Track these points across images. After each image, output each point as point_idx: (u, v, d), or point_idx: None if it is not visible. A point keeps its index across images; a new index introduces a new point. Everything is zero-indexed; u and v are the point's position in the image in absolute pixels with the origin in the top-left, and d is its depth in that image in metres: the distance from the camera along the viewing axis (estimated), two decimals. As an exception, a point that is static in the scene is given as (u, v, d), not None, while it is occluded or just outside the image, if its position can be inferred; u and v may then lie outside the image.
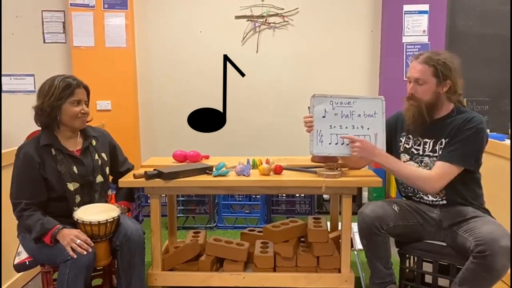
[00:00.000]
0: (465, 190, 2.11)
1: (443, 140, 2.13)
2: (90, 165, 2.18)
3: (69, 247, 1.93)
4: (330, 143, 2.25)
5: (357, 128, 2.26)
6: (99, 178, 2.21)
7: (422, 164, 2.18)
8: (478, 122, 2.06)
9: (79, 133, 2.23)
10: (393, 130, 2.32)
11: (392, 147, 2.31)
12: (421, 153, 2.20)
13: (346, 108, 2.27)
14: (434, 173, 2.07)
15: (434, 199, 2.17)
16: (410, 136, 2.25)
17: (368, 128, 2.26)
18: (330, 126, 2.26)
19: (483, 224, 1.94)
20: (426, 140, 2.19)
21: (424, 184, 2.08)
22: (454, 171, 2.04)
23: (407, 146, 2.26)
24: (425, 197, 2.20)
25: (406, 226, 2.15)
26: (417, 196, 2.23)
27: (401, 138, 2.29)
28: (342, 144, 2.25)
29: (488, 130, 2.16)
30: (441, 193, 2.14)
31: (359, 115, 2.27)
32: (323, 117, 2.26)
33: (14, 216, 2.08)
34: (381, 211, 2.13)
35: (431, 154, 2.16)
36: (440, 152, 2.13)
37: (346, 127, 2.26)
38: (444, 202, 2.15)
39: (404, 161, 2.24)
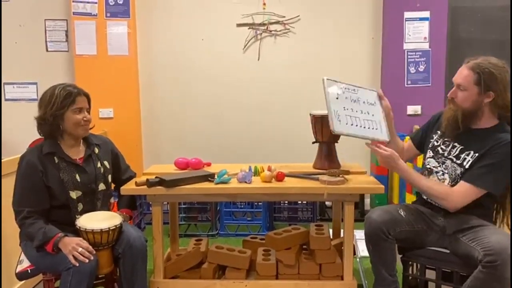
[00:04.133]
0: (476, 204, 2.05)
1: (472, 152, 2.06)
2: (92, 173, 2.19)
3: (71, 256, 1.93)
4: (347, 124, 2.19)
5: (365, 113, 2.26)
6: (102, 186, 2.21)
7: (443, 166, 2.14)
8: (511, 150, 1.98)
9: (81, 141, 2.24)
10: (431, 125, 2.29)
11: (425, 141, 2.30)
12: (446, 154, 2.15)
13: (353, 94, 2.29)
14: (456, 190, 2.03)
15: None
16: (445, 138, 2.19)
17: (372, 115, 2.27)
18: (344, 107, 2.23)
19: (491, 233, 1.91)
20: (456, 144, 2.13)
21: (443, 200, 2.05)
22: (477, 193, 2.00)
23: (435, 144, 2.21)
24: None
25: (411, 231, 2.14)
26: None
27: (433, 135, 2.25)
28: (361, 126, 2.21)
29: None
30: None
31: (364, 102, 2.29)
32: (337, 99, 2.23)
33: (16, 224, 2.08)
34: (388, 216, 2.10)
35: (454, 159, 2.11)
36: (464, 163, 2.07)
37: (357, 111, 2.24)
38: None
39: (428, 157, 2.22)
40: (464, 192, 2.02)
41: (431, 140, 2.26)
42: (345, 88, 2.28)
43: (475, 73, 2.00)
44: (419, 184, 2.13)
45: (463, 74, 2.05)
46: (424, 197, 2.24)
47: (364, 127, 2.22)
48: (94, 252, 1.98)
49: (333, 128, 2.13)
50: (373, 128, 2.24)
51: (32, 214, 2.03)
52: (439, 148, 2.20)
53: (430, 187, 2.10)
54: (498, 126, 2.06)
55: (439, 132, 2.23)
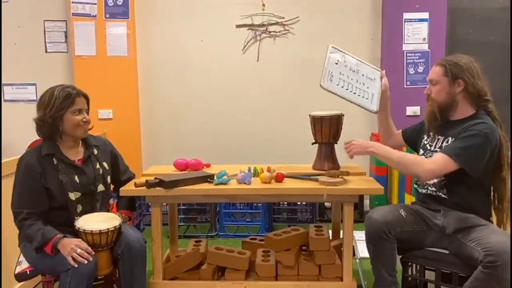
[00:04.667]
0: (470, 195, 2.11)
1: (449, 138, 2.16)
2: (91, 174, 2.19)
3: (69, 257, 1.92)
4: (337, 85, 2.32)
5: (360, 83, 2.39)
6: (101, 187, 2.21)
7: None
8: (484, 128, 2.04)
9: (80, 142, 2.24)
10: (424, 127, 2.36)
11: (416, 140, 2.39)
12: (432, 148, 2.24)
13: (354, 64, 2.43)
14: (429, 158, 2.14)
15: (436, 190, 2.17)
16: (431, 134, 2.29)
17: (367, 87, 2.40)
18: (340, 73, 2.36)
19: (490, 233, 1.93)
20: (439, 137, 2.23)
21: (416, 166, 2.09)
22: (447, 163, 2.03)
23: (425, 143, 2.30)
24: (429, 182, 2.21)
25: (412, 232, 2.15)
26: (423, 184, 2.24)
27: (424, 135, 2.33)
28: (351, 91, 2.33)
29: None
30: (443, 189, 2.15)
31: (363, 75, 2.42)
32: (336, 63, 2.39)
33: (15, 225, 2.08)
34: (390, 216, 2.12)
35: (438, 150, 2.18)
36: None
37: (352, 79, 2.38)
38: (445, 196, 2.14)
39: (420, 155, 2.30)
40: (434, 159, 2.09)
41: (423, 140, 2.34)
42: (348, 59, 2.44)
43: (441, 66, 2.17)
44: (392, 156, 2.19)
45: (433, 71, 2.22)
46: (423, 191, 2.25)
47: (354, 93, 2.35)
48: (93, 253, 1.97)
49: (321, 83, 2.28)
50: (363, 97, 2.36)
51: (30, 216, 2.03)
52: (427, 145, 2.29)
53: (404, 155, 2.19)
54: (474, 115, 2.15)
55: (428, 132, 2.32)
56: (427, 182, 2.21)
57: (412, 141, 2.43)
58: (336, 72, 2.36)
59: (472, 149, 2.02)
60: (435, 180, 2.17)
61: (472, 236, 1.98)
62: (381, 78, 2.47)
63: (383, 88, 2.43)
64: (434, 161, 2.08)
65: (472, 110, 2.16)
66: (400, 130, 2.52)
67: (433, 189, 2.19)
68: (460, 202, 2.11)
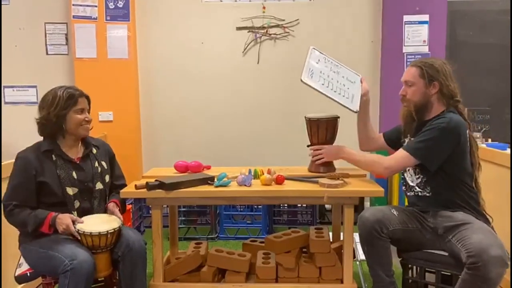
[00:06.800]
0: (450, 191, 2.14)
1: None
2: (89, 171, 2.21)
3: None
4: (318, 81, 2.33)
5: (340, 83, 2.40)
6: (99, 185, 2.22)
7: None
8: (440, 122, 2.10)
9: (80, 142, 2.27)
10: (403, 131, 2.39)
11: (398, 142, 2.40)
12: None
13: (334, 66, 2.46)
14: (389, 156, 2.23)
15: (421, 190, 2.20)
16: (408, 136, 2.31)
17: (348, 88, 2.41)
18: (321, 72, 2.39)
19: (472, 233, 1.95)
20: (412, 139, 2.25)
21: (377, 164, 2.24)
22: (405, 159, 2.15)
23: (404, 145, 2.31)
24: (411, 182, 2.24)
25: (405, 231, 2.16)
26: (409, 187, 2.26)
27: (405, 139, 2.35)
28: (332, 89, 2.33)
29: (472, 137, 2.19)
30: (426, 187, 2.19)
31: (343, 77, 2.45)
32: (317, 62, 2.41)
33: (4, 217, 2.10)
34: (381, 214, 2.14)
35: None
36: None
37: (332, 79, 2.39)
38: (429, 194, 2.18)
39: None
40: (394, 155, 2.21)
41: (402, 143, 2.35)
42: (328, 60, 2.47)
43: (417, 67, 2.20)
44: (359, 159, 2.35)
45: (408, 72, 2.25)
46: (411, 193, 2.29)
47: (335, 91, 2.34)
48: (79, 238, 2.01)
49: (301, 78, 2.28)
50: (343, 96, 2.36)
51: (17, 207, 2.07)
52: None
53: (368, 156, 2.37)
54: (440, 114, 2.18)
55: (404, 133, 2.36)
56: (411, 184, 2.25)
57: (393, 142, 2.45)
58: (317, 70, 2.37)
59: (425, 143, 2.10)
60: (417, 181, 2.21)
61: (458, 235, 2.00)
62: (361, 82, 2.50)
63: (363, 91, 2.45)
64: (393, 158, 2.20)
65: (442, 108, 2.20)
66: (381, 133, 2.55)
67: (418, 189, 2.22)
68: (443, 198, 2.15)
